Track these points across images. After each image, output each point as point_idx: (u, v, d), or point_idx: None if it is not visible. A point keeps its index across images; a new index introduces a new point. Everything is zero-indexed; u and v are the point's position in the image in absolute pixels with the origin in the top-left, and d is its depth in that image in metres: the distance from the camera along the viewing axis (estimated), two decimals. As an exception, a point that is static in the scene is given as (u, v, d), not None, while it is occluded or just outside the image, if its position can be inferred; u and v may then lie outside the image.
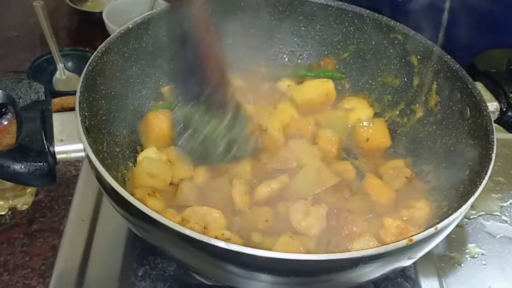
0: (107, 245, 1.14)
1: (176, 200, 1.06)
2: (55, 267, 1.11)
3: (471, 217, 1.26)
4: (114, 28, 1.56)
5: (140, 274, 1.09)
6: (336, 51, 1.31)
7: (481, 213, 1.26)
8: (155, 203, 1.03)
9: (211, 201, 1.05)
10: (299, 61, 1.34)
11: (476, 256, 1.19)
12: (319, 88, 1.25)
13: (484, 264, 1.18)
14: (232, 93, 1.07)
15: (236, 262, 0.84)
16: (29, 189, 1.22)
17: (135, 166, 1.12)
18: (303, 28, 1.31)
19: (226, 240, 0.92)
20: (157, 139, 1.14)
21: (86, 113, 0.98)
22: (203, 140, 1.04)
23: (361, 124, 1.22)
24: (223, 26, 1.21)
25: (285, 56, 1.35)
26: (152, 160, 1.10)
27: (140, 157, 1.12)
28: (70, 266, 1.10)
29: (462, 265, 1.17)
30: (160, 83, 1.24)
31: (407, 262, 0.96)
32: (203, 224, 1.00)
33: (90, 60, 1.04)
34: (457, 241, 1.20)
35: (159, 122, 1.15)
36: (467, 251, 1.20)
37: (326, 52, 1.32)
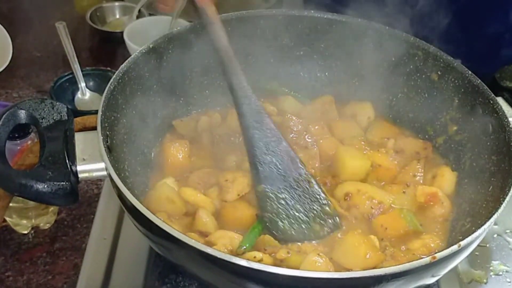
0: (129, 264, 1.15)
1: (195, 227, 1.05)
2: (77, 286, 1.11)
3: (495, 234, 1.24)
4: (135, 47, 1.58)
5: (161, 293, 1.09)
6: (355, 68, 1.31)
7: (507, 231, 1.25)
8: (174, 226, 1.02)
9: (231, 224, 1.06)
10: (316, 80, 1.34)
11: (500, 273, 1.17)
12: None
13: (509, 282, 1.16)
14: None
15: (258, 280, 0.83)
16: (51, 208, 1.23)
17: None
18: (322, 46, 1.31)
19: (259, 261, 0.92)
20: (172, 169, 1.14)
21: (108, 132, 0.99)
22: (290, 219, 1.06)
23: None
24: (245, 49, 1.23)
25: (302, 74, 1.35)
26: (171, 187, 1.09)
27: (159, 183, 1.11)
28: (92, 284, 1.11)
29: (487, 282, 1.16)
30: (180, 102, 1.25)
31: (430, 280, 0.95)
32: (230, 247, 0.99)
33: (111, 80, 1.05)
34: (481, 258, 1.19)
35: (175, 151, 1.15)
36: (491, 268, 1.18)
37: (344, 69, 1.32)
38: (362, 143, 1.22)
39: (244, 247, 0.99)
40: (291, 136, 1.17)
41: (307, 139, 1.17)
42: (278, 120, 1.21)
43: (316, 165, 1.15)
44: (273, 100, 1.29)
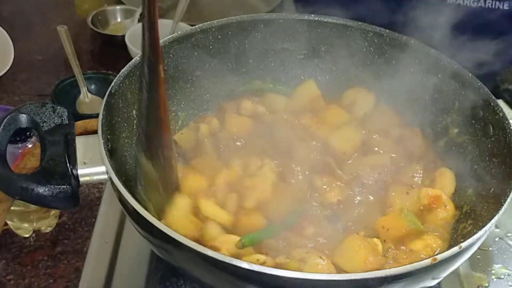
0: (130, 267, 1.15)
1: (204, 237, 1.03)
2: (78, 290, 1.11)
3: (497, 237, 1.24)
4: (136, 51, 1.58)
5: (163, 296, 1.09)
6: (355, 71, 1.31)
7: (508, 234, 1.25)
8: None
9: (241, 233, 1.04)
10: (317, 83, 1.34)
11: (502, 277, 1.17)
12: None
13: (511, 285, 1.16)
14: None
15: (259, 283, 0.83)
16: (52, 212, 1.23)
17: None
18: (322, 49, 1.31)
19: (262, 264, 0.92)
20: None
21: (109, 136, 0.99)
22: None
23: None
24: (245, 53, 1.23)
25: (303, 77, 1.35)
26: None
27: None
28: (93, 288, 1.11)
29: (488, 285, 1.15)
30: (181, 106, 1.25)
31: (431, 282, 0.94)
32: (233, 252, 0.99)
33: (112, 83, 1.05)
34: (482, 262, 1.19)
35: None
36: (493, 271, 1.18)
37: (344, 73, 1.32)
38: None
39: (243, 241, 0.98)
40: (287, 132, 1.17)
41: (303, 132, 1.18)
42: (270, 119, 1.22)
43: (318, 157, 1.15)
44: (260, 99, 1.28)
